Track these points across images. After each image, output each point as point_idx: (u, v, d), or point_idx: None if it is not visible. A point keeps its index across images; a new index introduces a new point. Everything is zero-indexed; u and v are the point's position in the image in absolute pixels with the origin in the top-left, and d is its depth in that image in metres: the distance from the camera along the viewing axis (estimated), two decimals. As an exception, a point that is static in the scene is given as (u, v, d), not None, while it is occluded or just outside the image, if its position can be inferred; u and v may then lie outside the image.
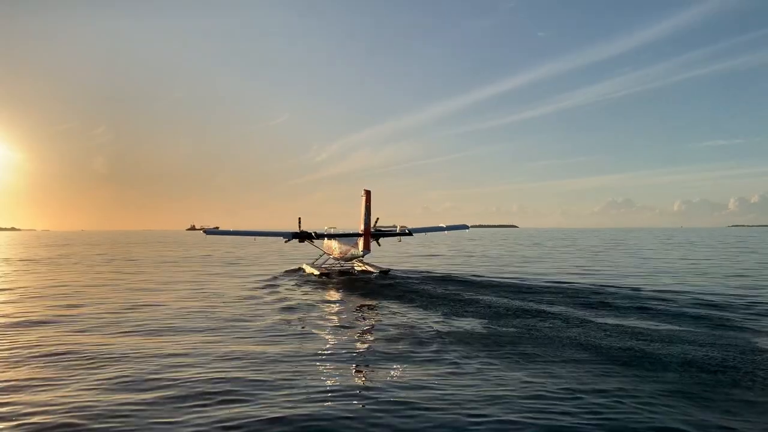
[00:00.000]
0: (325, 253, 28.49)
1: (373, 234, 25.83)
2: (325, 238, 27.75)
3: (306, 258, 31.58)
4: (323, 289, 22.22)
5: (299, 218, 26.96)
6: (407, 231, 27.85)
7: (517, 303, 17.11)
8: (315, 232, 27.21)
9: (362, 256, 26.32)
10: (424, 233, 30.59)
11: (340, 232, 27.71)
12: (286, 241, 26.74)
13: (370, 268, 27.03)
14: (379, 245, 27.92)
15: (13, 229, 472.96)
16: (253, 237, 28.51)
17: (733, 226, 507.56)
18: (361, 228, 25.08)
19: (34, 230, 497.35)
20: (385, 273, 25.98)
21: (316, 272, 26.10)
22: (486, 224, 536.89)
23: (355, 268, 27.98)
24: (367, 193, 24.82)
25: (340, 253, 27.17)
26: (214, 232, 30.51)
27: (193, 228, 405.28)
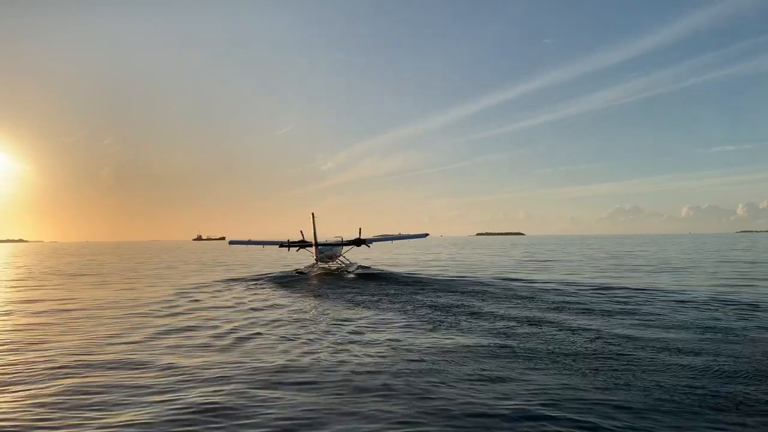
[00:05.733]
0: (314, 256, 36.29)
1: (321, 244, 34.45)
2: (312, 247, 35.61)
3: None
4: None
5: (301, 231, 36.07)
6: (361, 240, 35.77)
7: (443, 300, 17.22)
8: (296, 241, 35.63)
9: (317, 261, 34.97)
10: (391, 241, 39.17)
11: (328, 241, 36.06)
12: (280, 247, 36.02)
13: (335, 267, 36.39)
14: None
15: (20, 240, 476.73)
16: (262, 245, 37.25)
17: (741, 231, 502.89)
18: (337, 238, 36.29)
19: (42, 242, 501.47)
20: (344, 270, 35.08)
21: (296, 270, 35.46)
22: (493, 232, 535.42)
23: (330, 267, 36.70)
24: (312, 215, 34.01)
25: (319, 257, 35.41)
26: (236, 242, 38.31)
27: (199, 238, 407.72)
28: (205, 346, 12.62)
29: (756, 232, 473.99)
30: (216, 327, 15.20)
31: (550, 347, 11.77)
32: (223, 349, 12.23)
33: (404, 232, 39.54)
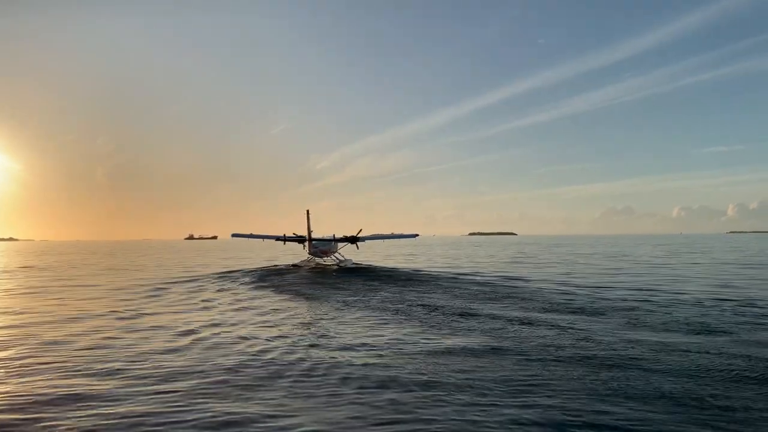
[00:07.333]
0: (308, 251, 38.78)
1: (315, 240, 36.96)
2: (305, 242, 38.30)
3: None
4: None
5: (294, 233, 38.26)
6: (355, 238, 37.07)
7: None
8: (292, 236, 38.27)
9: (312, 255, 37.84)
10: (383, 240, 41.54)
11: (320, 237, 37.92)
12: (278, 241, 38.71)
13: (330, 262, 38.07)
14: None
15: (11, 239, 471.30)
16: (262, 239, 39.53)
17: (731, 232, 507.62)
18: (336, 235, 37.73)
19: (33, 240, 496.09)
20: (337, 265, 36.83)
21: (291, 264, 38.59)
22: (485, 232, 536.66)
23: (325, 262, 38.61)
24: (307, 212, 36.82)
25: (313, 251, 38.07)
26: (238, 235, 40.72)
27: (191, 237, 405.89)
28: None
29: (746, 232, 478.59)
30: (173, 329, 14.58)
31: (543, 348, 11.31)
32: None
33: (397, 232, 40.72)
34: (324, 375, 9.42)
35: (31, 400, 8.15)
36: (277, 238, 38.74)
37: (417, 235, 40.43)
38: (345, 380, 9.07)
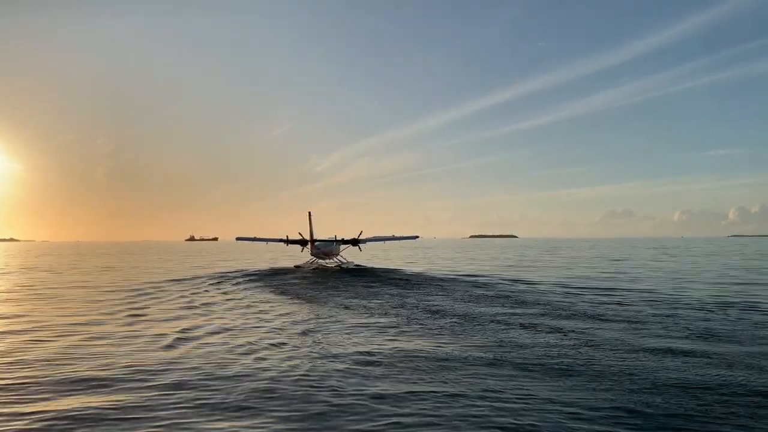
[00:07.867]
0: (311, 252, 39.18)
1: (317, 241, 37.25)
2: (307, 244, 38.53)
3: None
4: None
5: (299, 233, 38.06)
6: (357, 240, 38.03)
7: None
8: (295, 239, 38.40)
9: (317, 258, 38.10)
10: (383, 242, 41.66)
11: (323, 239, 38.26)
12: (282, 243, 39.34)
13: (332, 264, 38.81)
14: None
15: (12, 239, 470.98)
16: (266, 242, 40.95)
17: (733, 236, 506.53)
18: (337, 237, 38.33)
19: (34, 241, 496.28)
20: (339, 266, 37.91)
21: (294, 264, 39.39)
22: (486, 234, 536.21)
23: (327, 263, 39.08)
24: (309, 213, 37.73)
25: (315, 253, 38.44)
26: (242, 238, 41.57)
27: (192, 238, 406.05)
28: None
29: (747, 236, 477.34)
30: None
31: (545, 353, 11.17)
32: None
33: (397, 234, 40.74)
34: (304, 376, 9.33)
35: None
36: (280, 241, 39.42)
37: (417, 237, 40.97)
38: (332, 384, 8.94)
